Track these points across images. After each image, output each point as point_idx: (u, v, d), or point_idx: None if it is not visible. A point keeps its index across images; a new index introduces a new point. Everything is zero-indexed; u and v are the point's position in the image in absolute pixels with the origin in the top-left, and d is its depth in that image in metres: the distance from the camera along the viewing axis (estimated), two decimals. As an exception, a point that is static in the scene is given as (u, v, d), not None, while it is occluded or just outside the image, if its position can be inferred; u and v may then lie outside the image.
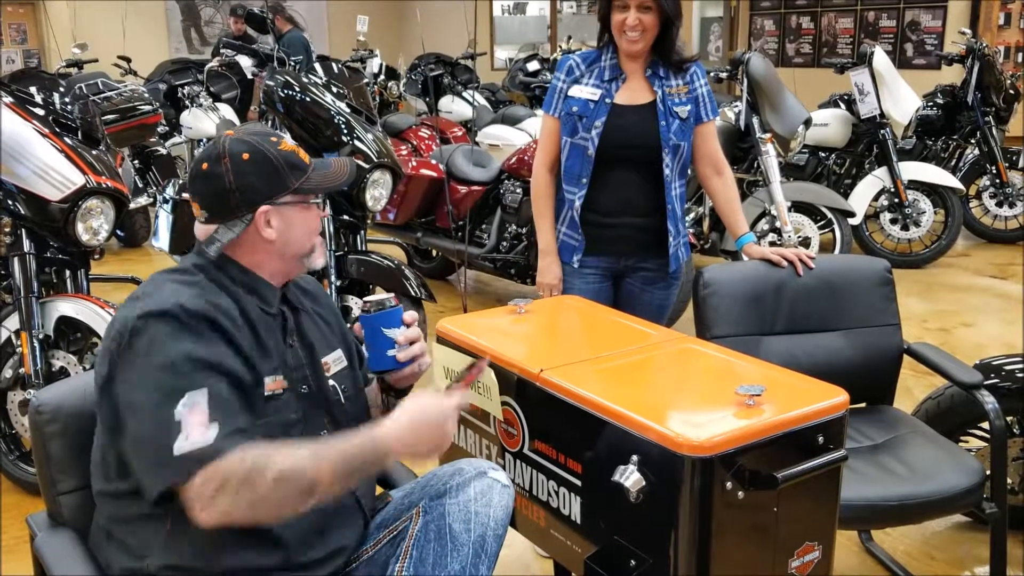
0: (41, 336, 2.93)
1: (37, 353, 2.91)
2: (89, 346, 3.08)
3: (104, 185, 2.98)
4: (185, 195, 3.69)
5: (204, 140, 6.77)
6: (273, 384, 1.53)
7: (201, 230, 1.58)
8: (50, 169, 2.91)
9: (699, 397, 1.65)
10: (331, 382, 1.66)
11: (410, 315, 1.68)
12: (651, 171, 2.52)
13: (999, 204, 6.28)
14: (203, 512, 1.36)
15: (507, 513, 1.63)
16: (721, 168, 2.64)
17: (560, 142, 2.58)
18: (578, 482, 1.62)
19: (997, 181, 6.17)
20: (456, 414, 1.52)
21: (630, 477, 1.44)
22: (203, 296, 1.49)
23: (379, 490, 1.82)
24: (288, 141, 1.61)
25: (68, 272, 3.15)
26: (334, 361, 1.69)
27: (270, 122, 3.98)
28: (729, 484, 1.41)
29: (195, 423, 1.37)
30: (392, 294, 1.69)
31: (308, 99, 3.72)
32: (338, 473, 1.40)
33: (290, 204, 1.57)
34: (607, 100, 2.49)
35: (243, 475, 1.35)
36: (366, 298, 1.68)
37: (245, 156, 1.54)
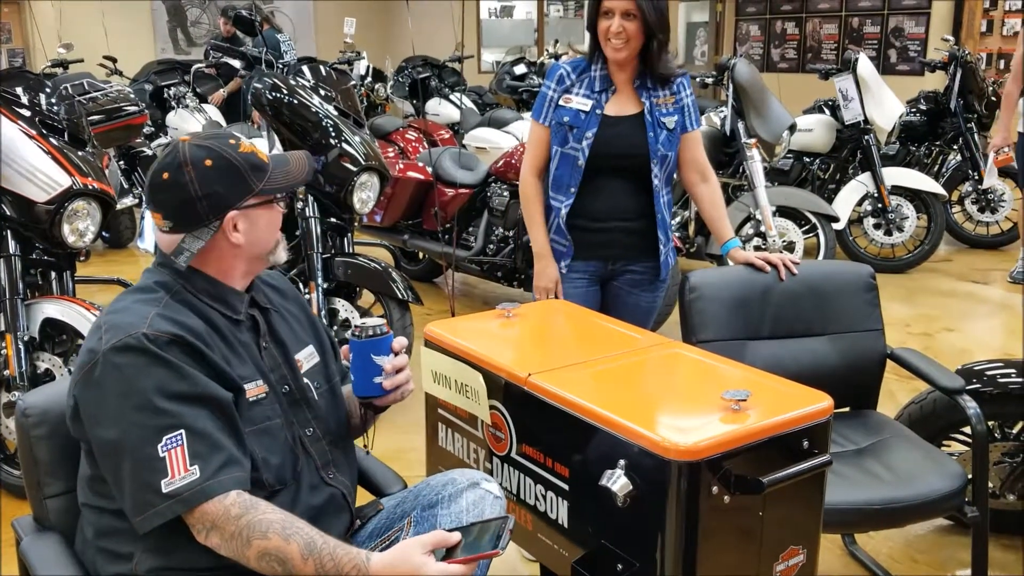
0: (26, 338, 2.92)
1: (22, 355, 2.89)
2: (74, 348, 3.06)
3: (90, 187, 2.97)
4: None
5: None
6: (256, 390, 1.54)
7: (165, 240, 1.55)
8: (36, 170, 2.90)
9: (685, 402, 1.67)
10: (304, 380, 1.66)
11: (399, 342, 1.67)
12: (639, 179, 2.56)
13: (981, 210, 6.34)
14: (198, 535, 1.41)
15: None
16: (707, 174, 2.68)
17: (549, 150, 2.60)
18: (565, 486, 1.63)
19: (979, 187, 6.22)
20: None
21: (617, 481, 1.45)
22: (169, 315, 1.47)
23: (371, 497, 1.83)
24: (245, 142, 1.58)
25: (54, 274, 3.13)
26: (306, 358, 1.69)
27: (256, 125, 3.97)
28: (715, 488, 1.43)
29: (177, 464, 1.37)
30: (383, 320, 1.66)
31: (295, 101, 3.71)
32: (305, 555, 1.38)
33: (255, 206, 1.56)
34: (598, 111, 2.52)
35: (236, 530, 1.38)
36: (357, 322, 1.66)
37: (208, 162, 1.51)
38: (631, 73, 2.54)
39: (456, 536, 1.41)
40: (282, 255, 1.64)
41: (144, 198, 1.65)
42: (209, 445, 1.40)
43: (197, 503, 1.38)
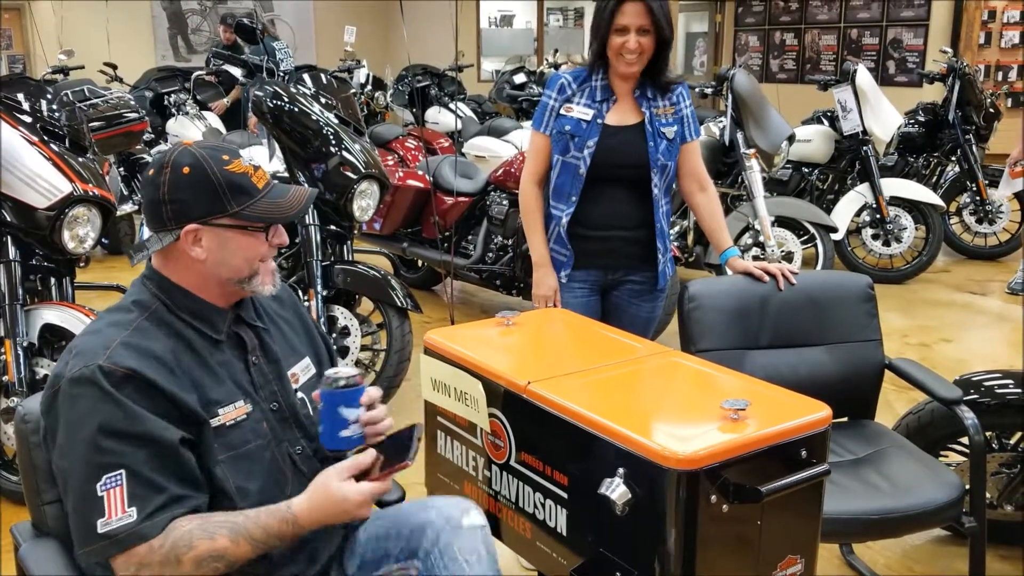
0: (25, 344, 2.92)
1: (21, 361, 2.90)
2: (73, 354, 3.06)
3: (91, 193, 2.98)
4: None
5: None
6: (233, 412, 1.51)
7: (147, 236, 1.56)
8: (37, 176, 2.91)
9: (684, 411, 1.67)
10: (299, 394, 1.64)
11: (370, 394, 1.58)
12: (639, 189, 2.57)
13: (979, 221, 6.35)
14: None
15: (493, 552, 1.62)
16: (705, 184, 2.69)
17: (549, 159, 2.61)
18: (564, 494, 1.63)
19: (977, 198, 6.24)
20: (371, 500, 1.46)
21: (616, 490, 1.45)
22: (134, 343, 1.44)
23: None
24: (244, 162, 1.54)
25: (53, 280, 3.14)
26: (302, 371, 1.66)
27: (255, 132, 3.98)
28: (714, 497, 1.43)
29: (115, 505, 1.37)
30: (359, 371, 1.59)
31: (296, 109, 3.72)
32: (257, 548, 1.42)
33: (228, 227, 1.51)
34: (599, 120, 2.52)
35: (163, 557, 1.38)
36: (329, 371, 1.57)
37: (185, 170, 1.49)
38: (632, 83, 2.55)
39: (370, 458, 1.46)
40: (264, 288, 1.58)
41: None
42: (149, 487, 1.39)
43: (131, 545, 1.37)
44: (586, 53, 2.60)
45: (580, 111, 2.53)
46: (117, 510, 1.37)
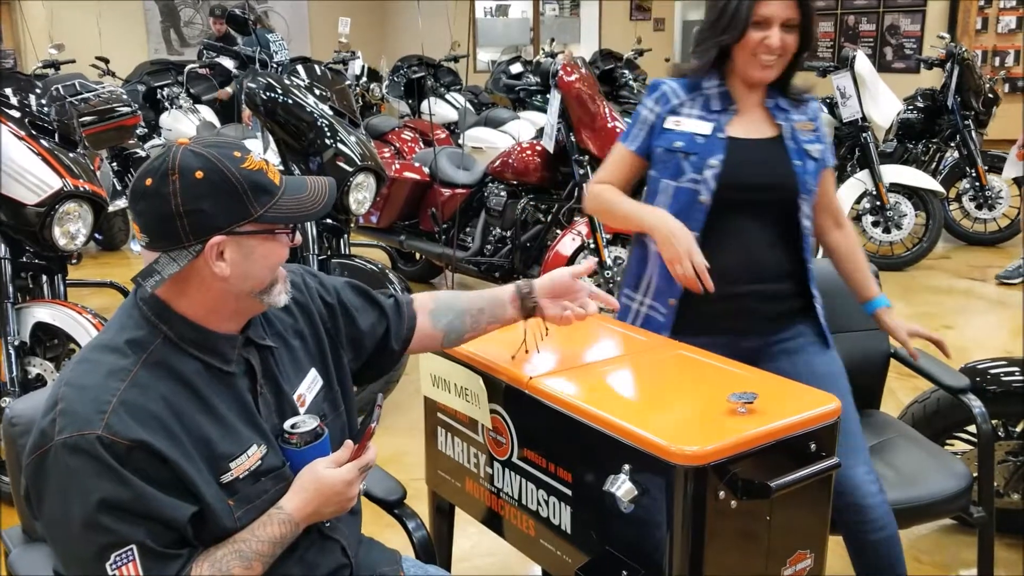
0: (17, 343, 2.88)
1: (13, 360, 2.86)
2: (67, 352, 3.03)
3: (82, 188, 2.94)
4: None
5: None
6: (247, 462, 1.36)
7: (144, 255, 1.34)
8: (26, 172, 2.87)
9: (691, 405, 1.64)
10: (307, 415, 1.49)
11: (367, 459, 1.45)
12: (781, 223, 2.03)
13: (979, 207, 6.32)
14: None
15: None
16: (841, 220, 2.19)
17: (632, 175, 2.11)
18: (568, 491, 1.60)
19: (977, 184, 6.21)
20: (359, 476, 1.41)
21: (622, 486, 1.42)
22: (132, 401, 1.26)
23: (377, 511, 1.79)
24: (255, 157, 1.35)
25: (45, 277, 3.10)
26: (308, 388, 1.50)
27: (248, 125, 3.94)
28: (722, 493, 1.40)
29: None
30: (318, 421, 1.45)
31: (290, 101, 3.68)
32: (267, 563, 1.35)
33: (251, 234, 1.32)
34: (720, 135, 1.99)
35: None
36: (289, 426, 1.43)
37: (199, 174, 1.28)
38: (761, 92, 2.03)
39: (348, 452, 1.42)
40: (280, 299, 1.40)
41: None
42: (164, 557, 1.27)
43: None
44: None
45: (693, 124, 2.00)
46: None
